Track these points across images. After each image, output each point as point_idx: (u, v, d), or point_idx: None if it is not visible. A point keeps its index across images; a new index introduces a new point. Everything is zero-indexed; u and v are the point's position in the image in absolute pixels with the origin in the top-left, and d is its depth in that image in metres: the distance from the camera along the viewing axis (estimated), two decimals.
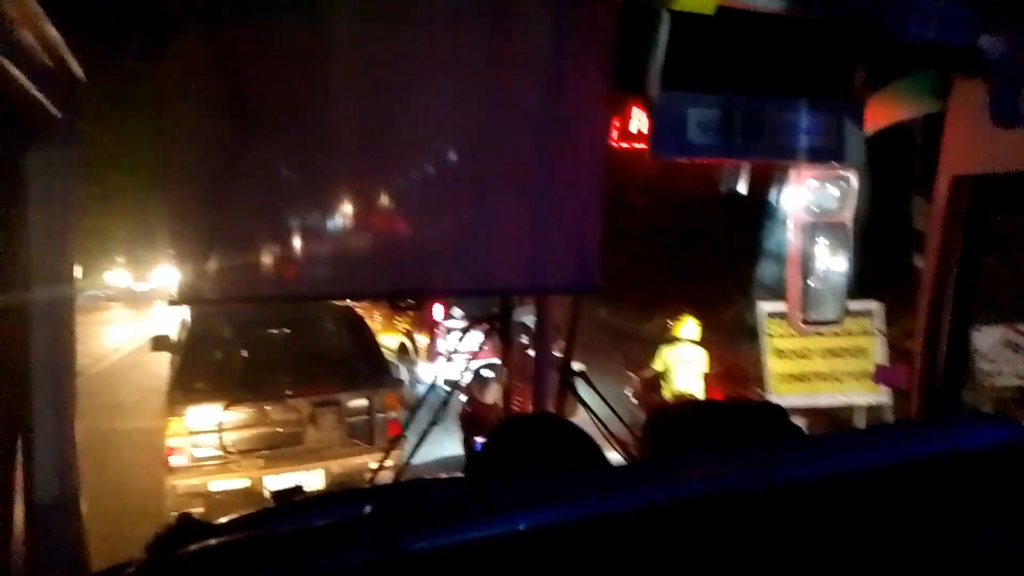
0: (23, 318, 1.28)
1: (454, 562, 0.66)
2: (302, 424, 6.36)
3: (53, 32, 1.20)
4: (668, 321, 7.95)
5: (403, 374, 11.42)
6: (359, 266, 2.04)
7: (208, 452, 6.02)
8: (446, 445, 6.70)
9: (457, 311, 11.11)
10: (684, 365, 7.43)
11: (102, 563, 1.62)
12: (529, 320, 3.57)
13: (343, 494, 2.40)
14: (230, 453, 6.09)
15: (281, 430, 6.33)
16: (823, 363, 7.40)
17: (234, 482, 6.12)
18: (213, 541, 0.67)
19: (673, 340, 7.58)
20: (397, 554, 0.64)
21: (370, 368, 6.95)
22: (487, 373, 6.00)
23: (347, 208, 1.99)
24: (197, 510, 5.90)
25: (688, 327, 7.64)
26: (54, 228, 1.34)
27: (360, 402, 6.49)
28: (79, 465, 1.42)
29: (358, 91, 1.95)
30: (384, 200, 2.03)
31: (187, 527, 1.07)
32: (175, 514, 1.18)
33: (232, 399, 6.10)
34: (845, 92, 2.30)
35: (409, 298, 2.10)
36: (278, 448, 6.29)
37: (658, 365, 7.49)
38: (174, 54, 1.64)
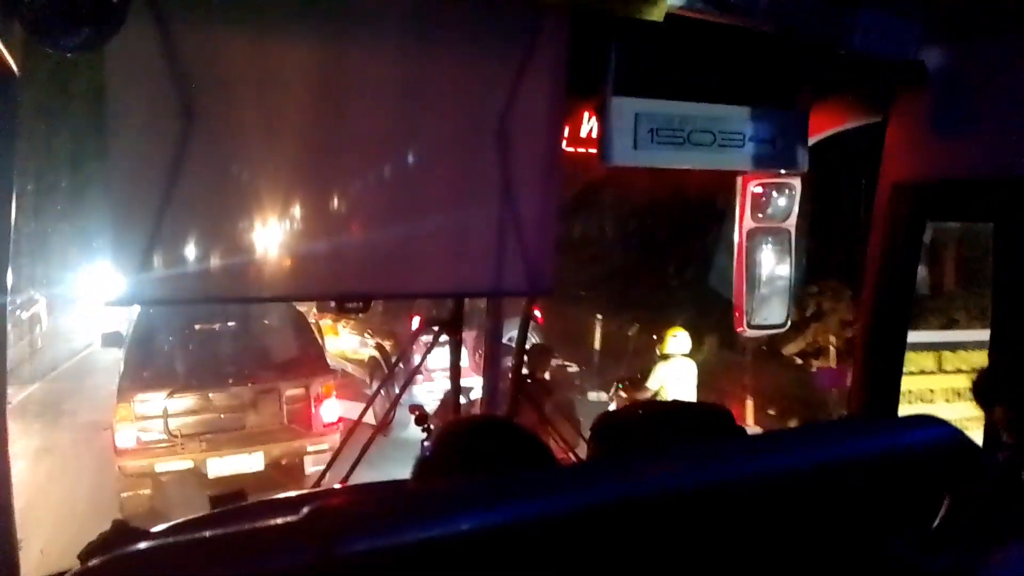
0: None
1: (394, 564, 0.65)
2: (243, 410, 6.79)
3: None
4: (654, 336, 7.15)
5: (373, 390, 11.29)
6: (308, 268, 2.02)
7: (154, 436, 6.41)
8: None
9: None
10: (676, 383, 6.84)
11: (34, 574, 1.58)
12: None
13: (281, 501, 2.36)
14: (175, 437, 6.45)
15: (223, 416, 6.74)
16: None
17: (179, 463, 6.49)
18: (147, 545, 0.65)
19: (664, 357, 6.87)
20: (334, 558, 0.63)
21: (308, 359, 7.44)
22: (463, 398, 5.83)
23: (296, 210, 1.97)
24: (144, 491, 6.47)
25: (678, 340, 6.90)
26: None
27: (298, 391, 6.94)
28: (10, 472, 1.38)
29: (310, 93, 1.93)
30: (335, 203, 2.01)
31: (122, 533, 1.04)
32: (114, 519, 1.15)
33: (177, 387, 6.55)
34: (791, 102, 2.35)
35: (359, 300, 2.08)
36: (221, 432, 6.68)
37: (653, 384, 6.87)
38: (115, 48, 1.59)
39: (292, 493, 3.02)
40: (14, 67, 1.29)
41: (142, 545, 0.64)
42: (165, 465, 6.47)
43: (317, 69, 1.93)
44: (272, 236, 1.94)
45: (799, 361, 9.74)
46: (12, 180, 1.33)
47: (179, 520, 2.02)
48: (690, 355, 6.98)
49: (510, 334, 3.31)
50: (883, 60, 2.00)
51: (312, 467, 6.88)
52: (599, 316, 12.50)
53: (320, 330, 11.86)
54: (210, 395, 6.74)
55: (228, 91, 1.84)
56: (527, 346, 3.39)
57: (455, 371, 3.00)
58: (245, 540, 0.65)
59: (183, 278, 1.88)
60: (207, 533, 0.64)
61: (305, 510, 0.65)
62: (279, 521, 0.64)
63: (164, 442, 6.46)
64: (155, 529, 1.69)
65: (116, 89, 1.73)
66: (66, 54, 1.17)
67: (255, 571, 0.61)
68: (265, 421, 6.83)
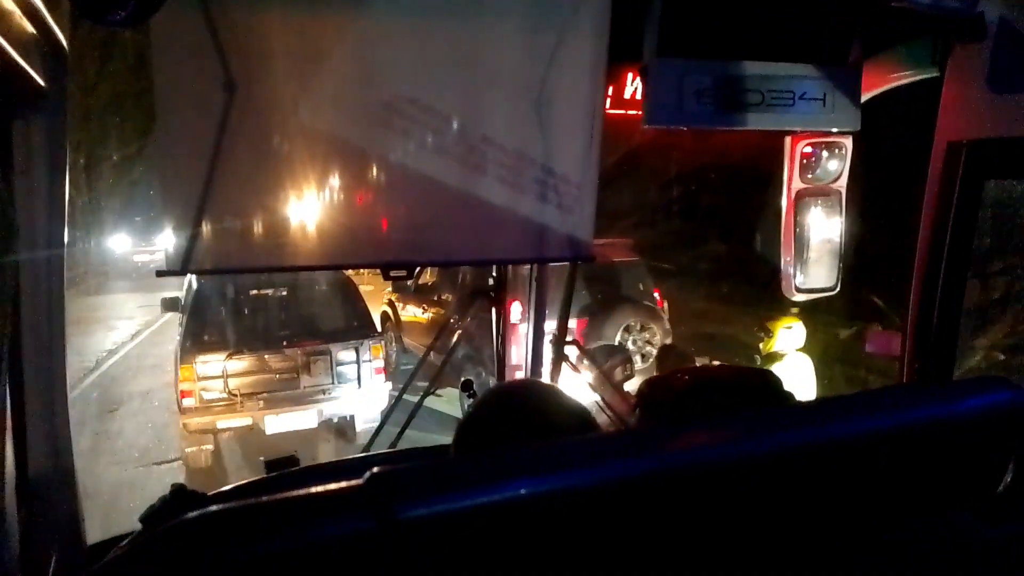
0: (13, 291, 1.27)
1: (453, 529, 0.66)
2: (297, 371, 7.32)
3: None
4: (756, 329, 5.57)
5: (391, 349, 11.49)
6: (352, 237, 2.03)
7: (215, 395, 6.98)
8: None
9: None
10: (795, 386, 4.84)
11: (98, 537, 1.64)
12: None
13: (335, 465, 2.41)
14: (234, 396, 7.02)
15: (279, 376, 7.27)
16: None
17: (239, 421, 7.04)
18: (208, 510, 0.67)
19: (772, 356, 5.32)
20: (395, 523, 0.64)
21: (357, 322, 7.98)
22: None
23: (340, 179, 1.98)
24: (207, 447, 6.97)
25: (793, 334, 5.30)
26: (42, 200, 1.33)
27: (348, 353, 7.49)
28: (72, 439, 1.42)
29: (351, 62, 1.93)
30: (378, 172, 2.02)
31: (182, 498, 1.07)
32: (173, 484, 1.18)
33: (234, 349, 7.11)
34: (841, 58, 2.28)
35: (404, 268, 2.09)
36: (276, 392, 7.23)
37: None
38: (161, 21, 1.61)
39: (345, 458, 3.08)
40: (65, 42, 1.31)
41: (203, 511, 0.65)
42: (226, 422, 6.98)
43: (358, 39, 1.93)
44: (317, 205, 1.96)
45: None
46: (67, 154, 1.36)
47: (236, 484, 2.08)
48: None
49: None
50: (939, 11, 1.92)
51: (362, 425, 7.54)
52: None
53: (394, 306, 12.00)
54: (266, 357, 7.23)
55: (272, 62, 1.85)
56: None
57: (499, 339, 3.02)
58: (305, 505, 0.66)
59: (231, 247, 1.91)
60: (267, 498, 0.65)
61: (365, 476, 0.66)
62: (338, 486, 0.66)
63: (224, 401, 6.99)
64: (213, 493, 1.74)
65: (162, 62, 1.75)
66: (113, 28, 1.18)
67: (317, 536, 0.62)
68: (317, 381, 7.35)
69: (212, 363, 6.98)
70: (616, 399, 3.53)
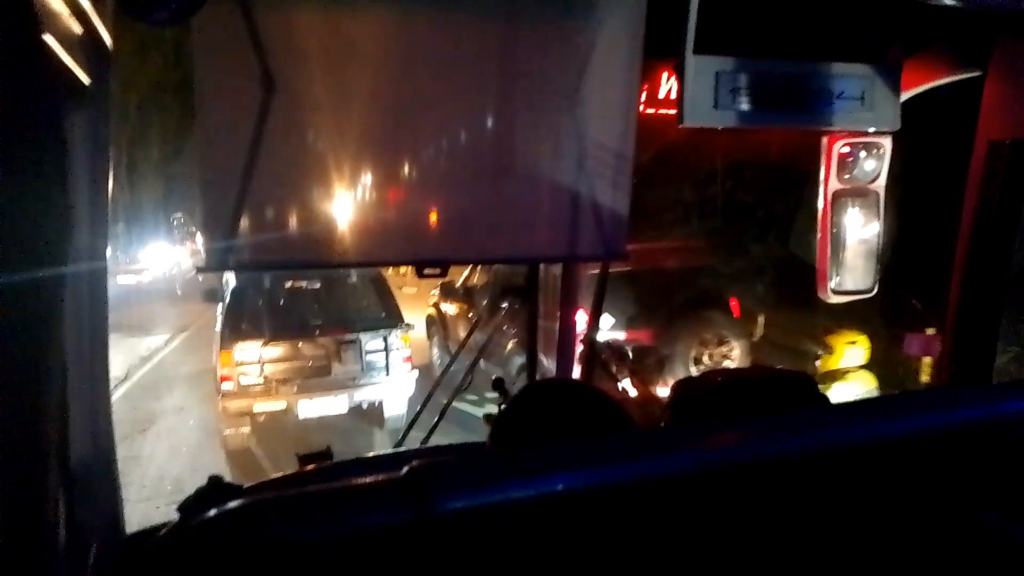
0: (58, 284, 1.30)
1: (488, 523, 0.66)
2: (329, 359, 7.72)
3: None
4: (812, 344, 4.81)
5: (434, 352, 11.47)
6: (386, 235, 2.05)
7: (252, 380, 7.43)
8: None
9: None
10: None
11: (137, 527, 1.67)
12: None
13: (369, 460, 2.43)
14: (270, 381, 7.45)
15: (311, 363, 7.66)
16: None
17: (274, 404, 7.42)
18: (246, 501, 0.68)
19: (834, 374, 4.80)
20: (432, 516, 0.65)
21: (386, 314, 8.34)
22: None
23: (375, 177, 2.00)
24: (244, 429, 7.32)
25: (857, 351, 4.74)
26: (87, 196, 1.36)
27: (377, 342, 7.92)
28: (113, 427, 1.45)
29: (387, 61, 1.94)
30: (412, 170, 2.03)
31: (219, 489, 1.09)
32: (210, 475, 1.20)
33: (270, 337, 7.52)
34: (881, 56, 2.24)
35: (438, 266, 2.11)
36: (309, 378, 7.61)
37: None
38: (202, 20, 1.63)
39: (378, 454, 3.11)
40: (109, 40, 1.33)
41: (241, 502, 0.67)
42: (262, 406, 7.37)
43: (394, 37, 1.94)
44: (352, 203, 1.98)
45: None
46: (110, 151, 1.39)
47: (272, 477, 2.11)
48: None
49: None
50: (981, 8, 1.88)
51: (390, 412, 7.96)
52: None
53: (440, 310, 11.75)
54: (299, 345, 7.62)
55: (309, 60, 1.87)
56: None
57: (531, 339, 3.02)
58: (344, 496, 0.67)
59: (268, 245, 1.94)
60: (304, 489, 0.66)
61: (404, 470, 0.67)
62: (377, 479, 0.66)
63: (260, 385, 7.43)
64: (248, 486, 1.77)
65: (203, 60, 1.78)
66: (156, 27, 1.20)
67: (353, 528, 0.63)
68: (348, 368, 7.78)
69: (249, 350, 7.40)
70: (649, 399, 3.52)
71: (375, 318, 8.23)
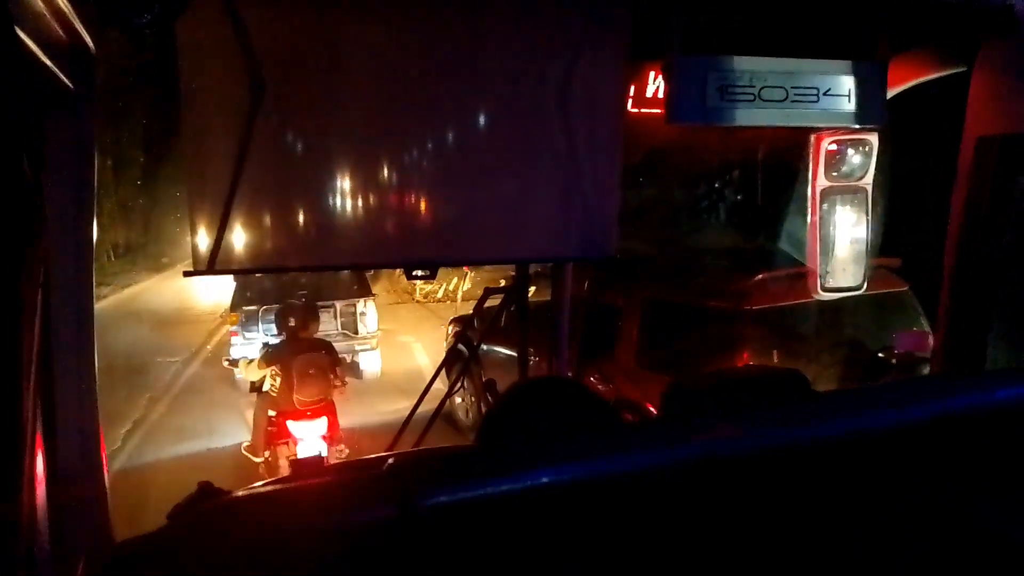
0: (43, 294, 1.29)
1: (472, 519, 0.66)
2: None
3: (63, 2, 1.19)
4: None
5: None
6: (376, 237, 2.04)
7: (252, 334, 9.46)
8: None
9: None
10: None
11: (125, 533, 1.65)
12: None
13: (359, 462, 2.42)
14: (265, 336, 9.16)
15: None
16: None
17: None
18: (232, 500, 0.67)
19: None
20: (415, 512, 0.64)
21: (356, 285, 10.17)
22: None
23: (363, 180, 1.98)
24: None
25: None
26: (71, 199, 1.34)
27: (349, 306, 9.86)
28: (101, 435, 1.44)
29: (375, 63, 1.93)
30: (401, 172, 2.02)
31: (208, 494, 1.08)
32: (199, 482, 1.19)
33: (266, 303, 9.41)
34: (867, 54, 2.25)
35: (426, 268, 2.10)
36: None
37: None
38: (186, 24, 1.62)
39: (370, 456, 3.09)
40: (92, 45, 1.32)
41: (227, 502, 0.66)
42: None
43: (381, 39, 1.93)
44: (341, 206, 1.97)
45: None
46: (94, 156, 1.38)
47: (262, 482, 2.10)
48: None
49: None
50: (967, 5, 1.89)
51: (363, 366, 9.79)
52: None
53: (467, 339, 11.65)
54: None
55: (296, 64, 1.86)
56: None
57: (522, 337, 3.01)
58: (328, 496, 0.67)
59: (256, 248, 1.93)
60: (291, 486, 0.65)
61: (385, 467, 0.66)
62: (360, 477, 0.66)
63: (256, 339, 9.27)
64: (238, 493, 1.76)
65: (188, 64, 1.76)
66: (138, 31, 1.20)
67: (338, 525, 0.63)
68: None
69: (250, 313, 9.58)
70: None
71: (347, 288, 10.12)
